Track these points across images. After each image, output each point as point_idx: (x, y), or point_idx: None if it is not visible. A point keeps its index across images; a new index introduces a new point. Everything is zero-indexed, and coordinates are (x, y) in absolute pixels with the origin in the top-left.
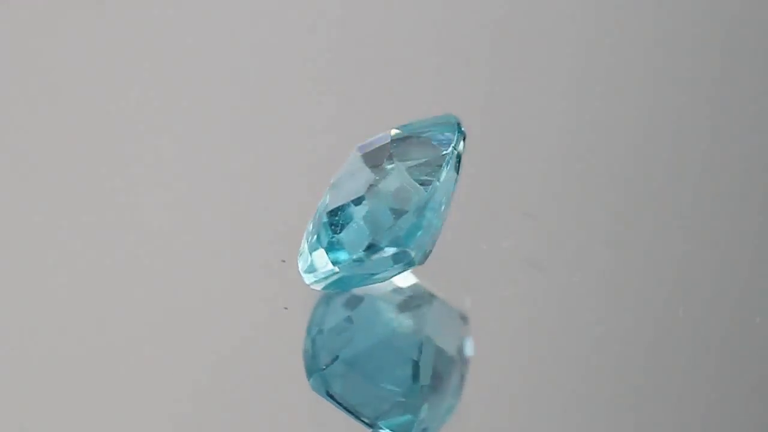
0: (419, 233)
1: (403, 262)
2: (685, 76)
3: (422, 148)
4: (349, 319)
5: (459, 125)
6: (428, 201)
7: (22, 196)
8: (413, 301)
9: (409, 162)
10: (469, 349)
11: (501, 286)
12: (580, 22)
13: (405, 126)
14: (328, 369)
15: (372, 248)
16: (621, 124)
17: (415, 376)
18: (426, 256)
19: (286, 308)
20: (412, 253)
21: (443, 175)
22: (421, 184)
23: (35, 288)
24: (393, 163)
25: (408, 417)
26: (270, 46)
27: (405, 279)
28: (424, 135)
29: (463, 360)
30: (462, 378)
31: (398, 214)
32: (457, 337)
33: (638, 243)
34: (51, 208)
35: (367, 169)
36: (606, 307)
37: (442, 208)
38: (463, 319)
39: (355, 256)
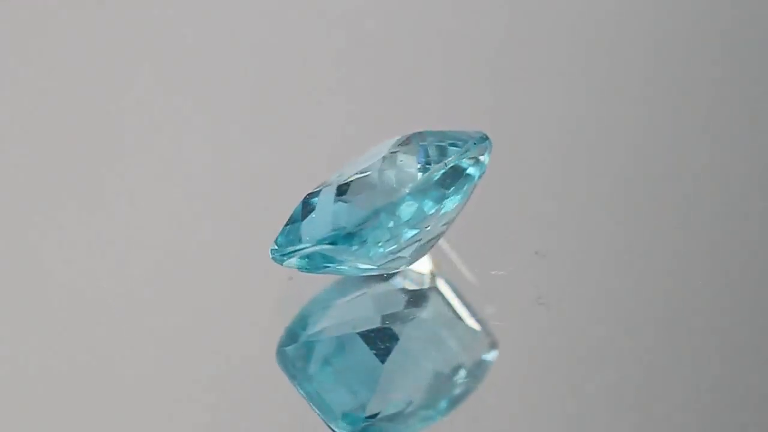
0: (387, 235)
1: (376, 257)
2: (682, 81)
3: (426, 155)
4: (337, 307)
5: (474, 144)
6: (400, 205)
7: (22, 196)
8: (411, 304)
9: (408, 163)
10: (479, 369)
11: (496, 314)
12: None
13: (428, 131)
14: (296, 348)
15: (340, 233)
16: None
17: (377, 379)
18: (406, 260)
19: (290, 278)
20: (382, 249)
21: (414, 183)
22: (401, 187)
23: (34, 286)
24: (391, 159)
25: (360, 417)
26: (270, 47)
27: (416, 282)
28: (440, 144)
29: (461, 374)
30: (453, 391)
31: (376, 208)
32: (457, 350)
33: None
34: (51, 208)
35: (372, 162)
36: (607, 314)
37: (422, 216)
38: (474, 333)
39: (322, 238)
